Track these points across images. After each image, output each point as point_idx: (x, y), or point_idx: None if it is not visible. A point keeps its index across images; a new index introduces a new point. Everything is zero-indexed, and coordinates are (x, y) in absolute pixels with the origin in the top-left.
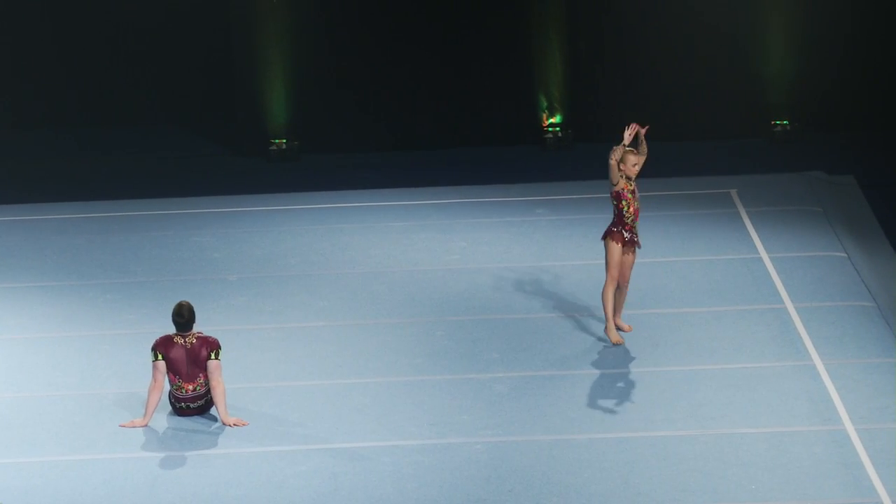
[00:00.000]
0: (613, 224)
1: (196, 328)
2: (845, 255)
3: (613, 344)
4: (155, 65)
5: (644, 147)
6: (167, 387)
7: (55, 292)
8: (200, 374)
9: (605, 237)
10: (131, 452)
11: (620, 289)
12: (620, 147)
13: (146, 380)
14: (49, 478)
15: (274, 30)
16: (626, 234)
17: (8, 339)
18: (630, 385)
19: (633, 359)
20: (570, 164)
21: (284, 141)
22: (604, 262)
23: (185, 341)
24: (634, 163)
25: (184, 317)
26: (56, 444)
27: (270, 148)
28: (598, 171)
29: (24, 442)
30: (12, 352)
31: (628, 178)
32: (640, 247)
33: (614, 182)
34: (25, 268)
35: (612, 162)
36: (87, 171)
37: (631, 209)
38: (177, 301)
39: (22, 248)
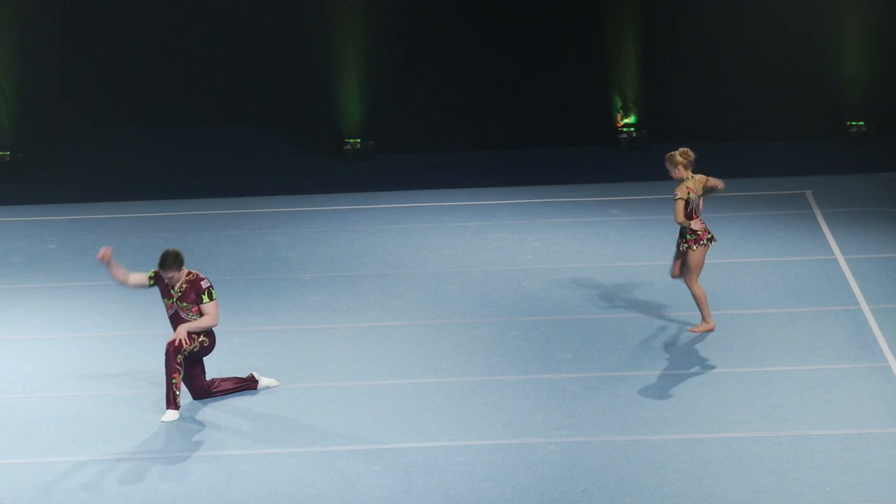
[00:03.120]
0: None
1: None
2: None
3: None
4: (231, 66)
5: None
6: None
7: (131, 290)
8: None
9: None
10: (206, 451)
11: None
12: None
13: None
14: (124, 475)
15: (349, 31)
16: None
17: (84, 338)
18: (704, 386)
19: (708, 360)
20: (644, 164)
21: (359, 141)
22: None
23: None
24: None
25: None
26: (132, 442)
27: (345, 148)
28: None
29: (102, 439)
30: (88, 350)
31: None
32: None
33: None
34: (102, 266)
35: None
36: (162, 170)
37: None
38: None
39: (98, 246)
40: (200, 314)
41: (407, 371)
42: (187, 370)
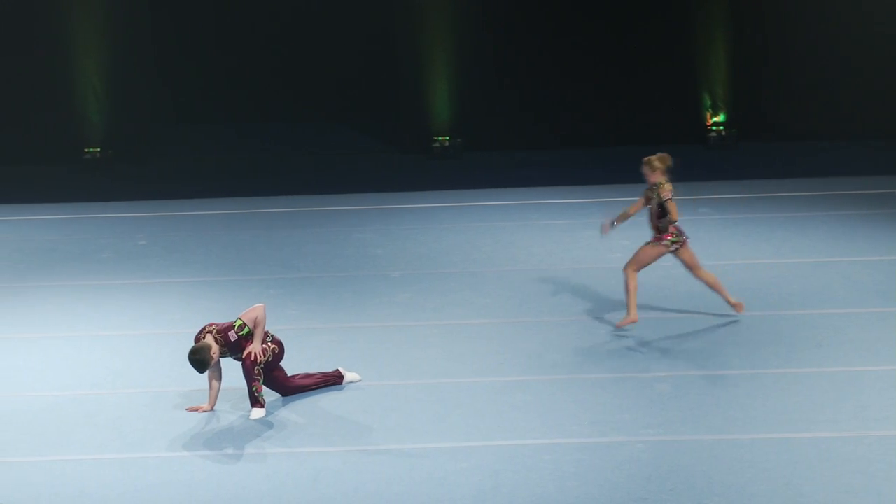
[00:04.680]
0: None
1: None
2: None
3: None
4: (321, 63)
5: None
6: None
7: (219, 287)
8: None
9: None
10: (293, 447)
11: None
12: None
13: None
14: (212, 472)
15: (438, 28)
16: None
17: (174, 334)
18: (793, 385)
19: (797, 359)
20: (733, 162)
21: (447, 138)
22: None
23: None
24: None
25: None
26: (220, 439)
27: (433, 145)
28: (762, 170)
29: (192, 436)
30: (177, 346)
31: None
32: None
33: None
34: (191, 262)
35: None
36: (251, 167)
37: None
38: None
39: (187, 243)
40: (248, 337)
41: (494, 369)
42: (268, 376)
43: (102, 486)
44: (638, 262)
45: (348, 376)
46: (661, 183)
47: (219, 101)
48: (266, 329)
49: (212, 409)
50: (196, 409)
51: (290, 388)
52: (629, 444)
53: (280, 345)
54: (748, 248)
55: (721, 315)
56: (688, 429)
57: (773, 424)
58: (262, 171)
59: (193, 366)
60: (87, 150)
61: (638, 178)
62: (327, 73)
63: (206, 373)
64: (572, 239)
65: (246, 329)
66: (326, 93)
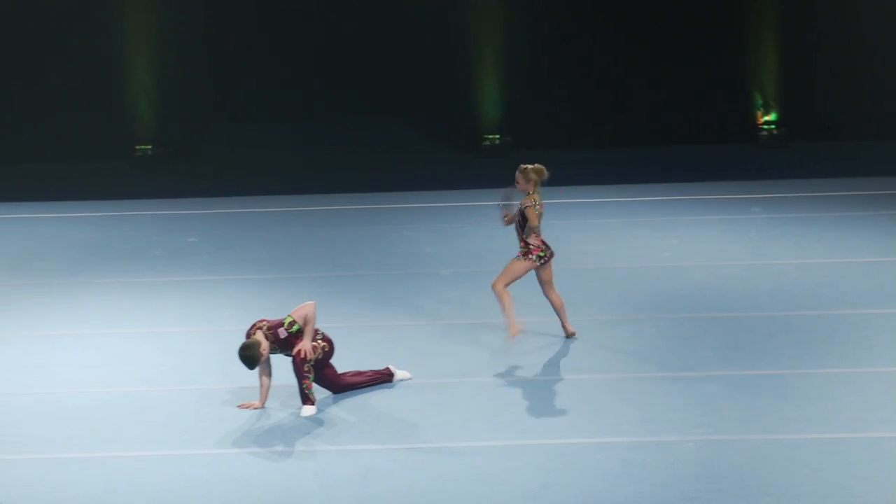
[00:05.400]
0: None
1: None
2: None
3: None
4: (371, 62)
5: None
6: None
7: (270, 285)
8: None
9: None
10: (343, 445)
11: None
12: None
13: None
14: (263, 469)
15: (488, 27)
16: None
17: (224, 331)
18: (845, 385)
19: (850, 359)
20: (784, 162)
21: (497, 137)
22: None
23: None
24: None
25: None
26: (270, 436)
27: (483, 144)
28: (813, 169)
29: (242, 433)
30: (228, 343)
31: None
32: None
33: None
34: (242, 260)
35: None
36: (302, 165)
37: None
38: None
39: (238, 240)
40: (299, 334)
41: (545, 367)
42: (318, 374)
43: (154, 482)
44: (507, 277)
45: (399, 374)
46: (529, 192)
47: (270, 99)
48: (316, 327)
49: (262, 406)
50: (247, 406)
51: (341, 385)
52: (680, 443)
53: (330, 342)
54: (800, 247)
55: (773, 315)
56: (739, 428)
57: (826, 424)
58: (312, 169)
59: (243, 362)
60: (138, 147)
61: (686, 176)
62: (378, 72)
63: (257, 370)
64: (624, 237)
65: (296, 326)
66: (378, 92)
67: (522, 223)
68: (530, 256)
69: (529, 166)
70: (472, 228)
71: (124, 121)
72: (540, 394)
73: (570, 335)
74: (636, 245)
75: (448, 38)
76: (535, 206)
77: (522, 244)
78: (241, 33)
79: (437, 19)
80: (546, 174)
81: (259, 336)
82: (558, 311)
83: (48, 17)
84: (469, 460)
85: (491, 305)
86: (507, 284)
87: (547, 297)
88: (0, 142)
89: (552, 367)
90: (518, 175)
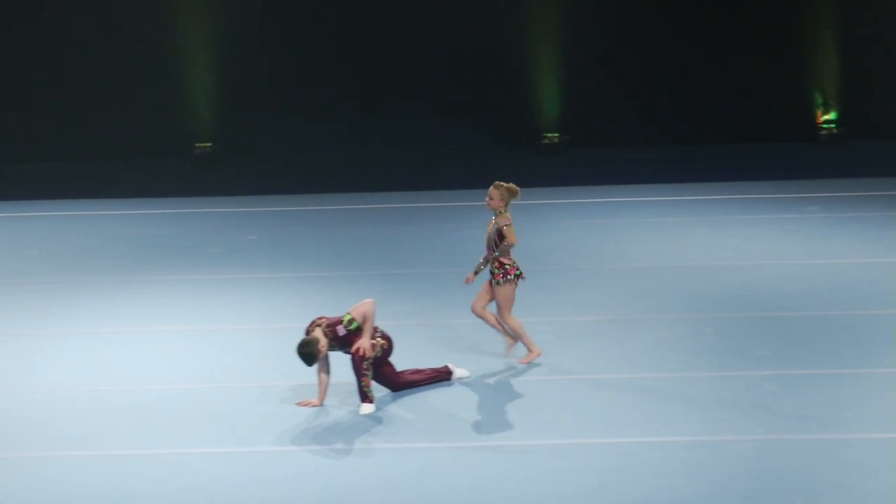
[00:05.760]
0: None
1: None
2: None
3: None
4: (429, 60)
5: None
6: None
7: (329, 282)
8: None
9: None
10: (399, 443)
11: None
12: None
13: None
14: (320, 466)
15: (546, 25)
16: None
17: (283, 328)
18: None
19: None
20: (843, 161)
21: (556, 135)
22: None
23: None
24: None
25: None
26: (328, 433)
27: (542, 142)
28: (872, 168)
29: (299, 430)
30: (286, 341)
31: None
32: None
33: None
34: (301, 258)
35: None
36: (361, 163)
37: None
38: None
39: (297, 238)
40: (357, 332)
41: (603, 366)
42: (377, 371)
43: (213, 479)
44: (506, 308)
45: (457, 372)
46: (501, 211)
47: (328, 97)
48: (375, 324)
49: (321, 403)
50: (306, 404)
51: (399, 383)
52: (738, 442)
53: (389, 340)
54: (857, 247)
55: (831, 314)
56: (797, 427)
57: (886, 424)
58: (370, 167)
59: (302, 359)
60: (197, 145)
61: (744, 175)
62: (437, 72)
63: (315, 367)
64: (682, 236)
65: (355, 324)
66: (436, 91)
67: (498, 242)
68: (508, 277)
69: (505, 184)
70: (531, 227)
71: (183, 119)
72: (598, 392)
73: (510, 346)
74: (693, 244)
75: (506, 37)
76: (510, 224)
77: (497, 265)
78: (300, 32)
79: (496, 18)
80: (518, 196)
81: (318, 333)
82: (518, 334)
83: (108, 13)
84: (527, 458)
85: (550, 305)
86: (509, 312)
87: (502, 319)
88: (61, 139)
89: (611, 366)
90: (495, 192)
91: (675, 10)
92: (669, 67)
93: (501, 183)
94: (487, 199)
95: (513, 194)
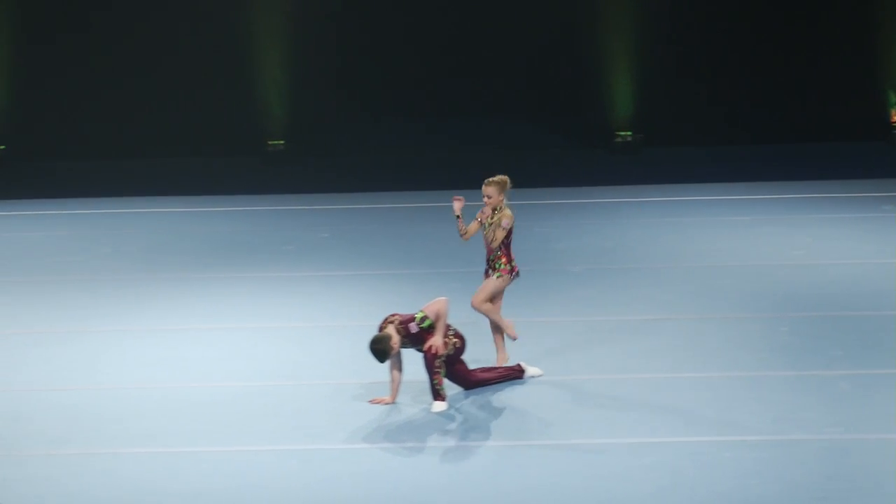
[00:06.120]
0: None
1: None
2: None
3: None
4: (503, 59)
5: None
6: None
7: (401, 280)
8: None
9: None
10: (473, 441)
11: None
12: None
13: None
14: (393, 464)
15: (620, 24)
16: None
17: (355, 326)
18: None
19: None
20: None
21: (629, 133)
22: None
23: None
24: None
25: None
26: (402, 431)
27: (615, 140)
28: None
29: (372, 427)
30: (359, 338)
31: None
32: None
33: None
34: (373, 255)
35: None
36: (434, 162)
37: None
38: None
39: (370, 236)
40: (430, 329)
41: (676, 365)
42: (450, 370)
43: (285, 476)
44: (488, 296)
45: (530, 371)
46: (501, 206)
47: (401, 95)
48: (448, 322)
49: (393, 401)
50: (378, 402)
51: (472, 381)
52: (811, 441)
53: (462, 339)
54: None
55: None
56: (871, 427)
57: None
58: (443, 165)
59: (374, 355)
60: (270, 142)
61: (817, 174)
62: (510, 70)
63: (388, 365)
64: (755, 235)
65: (427, 321)
66: (509, 89)
67: (498, 238)
68: (511, 276)
69: (495, 178)
70: (604, 225)
71: (256, 116)
72: (670, 391)
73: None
74: (766, 242)
75: (579, 35)
76: (506, 221)
77: (504, 259)
78: (373, 29)
79: (569, 16)
80: (510, 184)
81: (390, 330)
82: (505, 330)
83: (181, 8)
84: (599, 457)
85: (623, 303)
86: (487, 301)
87: (477, 301)
88: (134, 137)
89: (683, 364)
90: (489, 189)
91: (749, 8)
92: (742, 66)
93: (491, 178)
94: (485, 198)
95: (505, 185)
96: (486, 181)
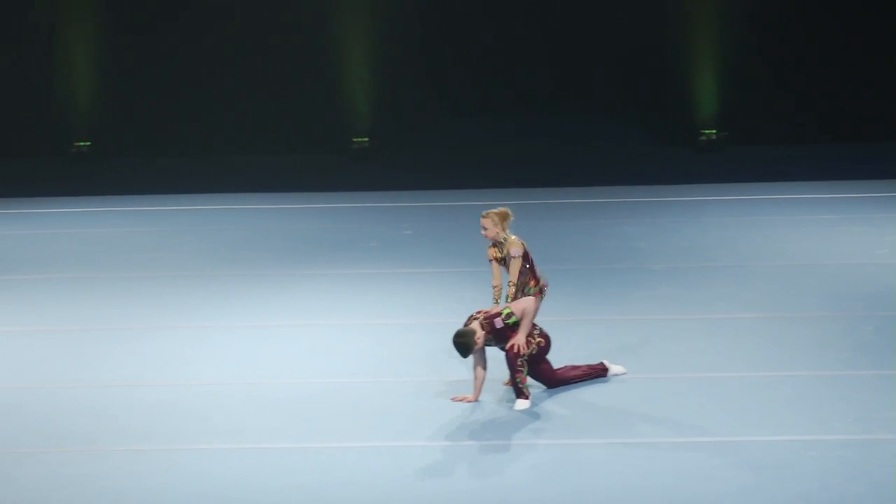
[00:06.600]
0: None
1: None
2: None
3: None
4: (584, 54)
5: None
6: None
7: (485, 278)
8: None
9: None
10: (556, 439)
11: None
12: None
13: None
14: (476, 461)
15: (704, 19)
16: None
17: (438, 323)
18: None
19: None
20: None
21: (714, 132)
22: None
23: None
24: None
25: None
26: (487, 430)
27: (699, 138)
28: None
29: (452, 425)
30: (442, 336)
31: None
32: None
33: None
34: (456, 252)
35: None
36: (516, 158)
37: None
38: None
39: (453, 233)
40: (515, 327)
41: (758, 364)
42: (533, 368)
43: (368, 472)
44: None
45: (613, 369)
46: (504, 237)
47: (485, 92)
48: (535, 322)
49: (476, 399)
50: (461, 399)
51: (555, 379)
52: (895, 442)
53: (547, 338)
54: None
55: None
56: None
57: None
58: (528, 162)
59: (457, 349)
60: (354, 140)
61: None
62: (595, 67)
63: (472, 362)
64: (840, 234)
65: (513, 318)
66: (594, 86)
67: (530, 267)
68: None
69: (493, 210)
70: (687, 224)
71: (341, 114)
72: (753, 390)
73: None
74: (851, 241)
75: (665, 33)
76: (514, 250)
77: (532, 283)
78: (458, 25)
79: (654, 13)
80: (511, 217)
81: (475, 325)
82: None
83: (266, 8)
84: (682, 455)
85: (705, 301)
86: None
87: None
88: (219, 134)
89: (766, 363)
90: (485, 221)
91: (837, 5)
92: (827, 63)
93: (489, 210)
94: (482, 230)
95: (505, 218)
96: (483, 213)
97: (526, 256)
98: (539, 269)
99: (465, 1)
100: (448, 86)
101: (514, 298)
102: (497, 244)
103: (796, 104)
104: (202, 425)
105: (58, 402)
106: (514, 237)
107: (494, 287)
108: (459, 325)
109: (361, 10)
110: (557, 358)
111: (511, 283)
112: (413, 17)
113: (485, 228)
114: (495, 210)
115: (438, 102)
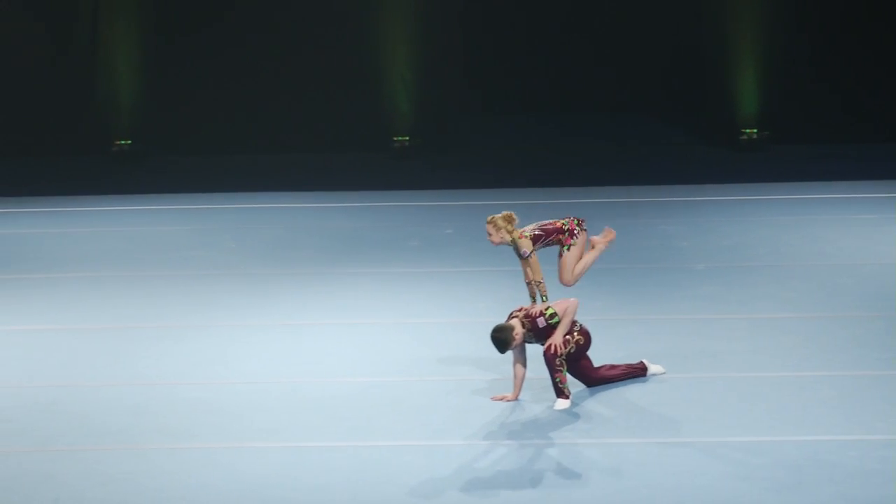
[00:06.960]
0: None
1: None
2: None
3: None
4: (625, 54)
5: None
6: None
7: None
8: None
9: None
10: (597, 438)
11: None
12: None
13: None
14: (514, 460)
15: (745, 18)
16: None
17: (478, 322)
18: None
19: None
20: None
21: (755, 131)
22: None
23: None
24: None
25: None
26: (527, 429)
27: (740, 138)
28: None
29: (495, 424)
30: (482, 335)
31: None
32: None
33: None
34: (496, 251)
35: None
36: (556, 158)
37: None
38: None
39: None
40: (556, 326)
41: (799, 363)
42: (572, 366)
43: (405, 471)
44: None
45: (652, 368)
46: (512, 238)
47: (526, 91)
48: (575, 319)
49: (516, 398)
50: (500, 399)
51: (595, 378)
52: None
53: (587, 335)
54: None
55: None
56: None
57: None
58: (568, 161)
59: (494, 344)
60: (395, 138)
61: None
62: (635, 66)
63: (511, 360)
64: (881, 233)
65: (556, 318)
66: (634, 85)
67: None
68: (575, 236)
69: (497, 216)
70: (728, 223)
71: (382, 112)
72: (793, 389)
73: None
74: (892, 241)
75: (705, 31)
76: (525, 250)
77: (567, 239)
78: (498, 24)
79: (694, 11)
80: (516, 219)
81: (515, 322)
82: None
83: (308, 8)
84: (721, 455)
85: (745, 301)
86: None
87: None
88: (259, 133)
89: (806, 362)
90: (489, 227)
91: (880, 5)
92: (871, 62)
93: (492, 216)
94: (488, 236)
95: (510, 220)
96: (487, 218)
97: (539, 240)
98: (560, 220)
99: (505, 0)
100: (489, 85)
101: (566, 276)
102: (513, 246)
103: (839, 103)
104: (241, 424)
105: (98, 400)
106: (522, 233)
107: (528, 284)
108: (497, 324)
109: (403, 9)
110: (597, 357)
111: (536, 282)
112: (454, 16)
113: (489, 234)
114: (499, 215)
115: (479, 101)
